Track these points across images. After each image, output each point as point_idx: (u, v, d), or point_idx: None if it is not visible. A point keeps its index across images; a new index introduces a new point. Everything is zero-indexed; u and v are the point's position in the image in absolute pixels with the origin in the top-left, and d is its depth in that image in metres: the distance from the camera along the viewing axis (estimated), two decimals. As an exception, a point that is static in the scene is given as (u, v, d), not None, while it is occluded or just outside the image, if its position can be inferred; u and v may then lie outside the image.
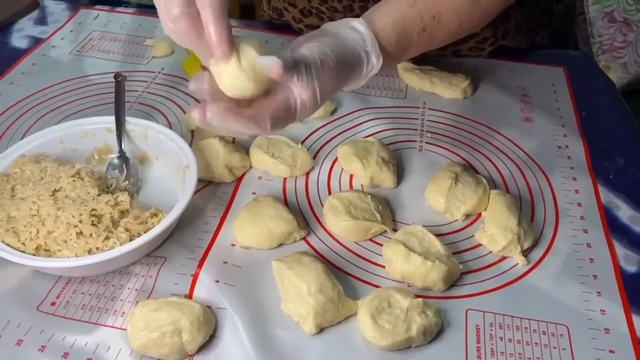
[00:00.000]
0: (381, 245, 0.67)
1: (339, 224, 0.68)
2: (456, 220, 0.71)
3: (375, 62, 0.61)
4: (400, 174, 0.77)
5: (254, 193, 0.74)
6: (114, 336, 0.58)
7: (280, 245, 0.67)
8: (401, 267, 0.63)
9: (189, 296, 0.61)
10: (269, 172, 0.76)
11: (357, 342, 0.58)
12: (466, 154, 0.81)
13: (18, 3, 1.09)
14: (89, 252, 0.61)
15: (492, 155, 0.81)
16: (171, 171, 0.72)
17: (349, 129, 0.84)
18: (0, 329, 0.58)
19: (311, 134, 0.83)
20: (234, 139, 0.81)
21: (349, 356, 0.58)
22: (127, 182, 0.72)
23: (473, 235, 0.69)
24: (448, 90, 0.90)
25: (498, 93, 0.92)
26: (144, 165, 0.76)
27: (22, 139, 0.74)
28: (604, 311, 0.62)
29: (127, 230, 0.63)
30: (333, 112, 0.87)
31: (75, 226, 0.62)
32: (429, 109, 0.89)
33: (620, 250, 0.68)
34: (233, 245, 0.67)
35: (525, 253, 0.67)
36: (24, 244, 0.61)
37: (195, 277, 0.63)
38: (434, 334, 0.59)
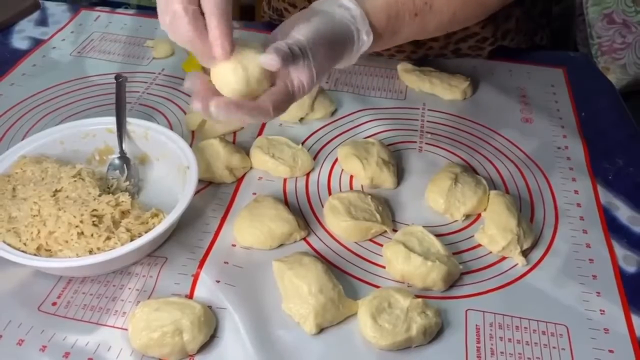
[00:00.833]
0: (381, 245, 0.67)
1: (339, 225, 0.68)
2: (456, 220, 0.71)
3: (366, 38, 0.62)
4: (400, 174, 0.77)
5: (254, 193, 0.74)
6: (115, 336, 0.58)
7: (280, 245, 0.67)
8: (401, 267, 0.63)
9: (190, 296, 0.62)
10: (269, 172, 0.77)
11: (357, 342, 0.59)
12: (466, 155, 0.81)
13: (19, 4, 1.09)
14: (90, 252, 0.61)
15: (492, 156, 0.81)
16: (172, 172, 0.72)
17: (349, 129, 0.84)
18: (1, 329, 0.58)
19: (311, 134, 0.83)
20: (234, 139, 0.81)
21: (349, 356, 0.58)
22: (127, 183, 0.72)
23: (473, 236, 0.69)
24: (448, 91, 0.90)
25: (498, 94, 0.92)
26: (145, 166, 0.76)
27: (23, 139, 0.74)
28: (603, 311, 0.62)
29: (128, 230, 0.63)
30: (333, 113, 0.87)
31: (76, 226, 0.62)
32: (428, 110, 0.89)
33: (620, 251, 0.69)
34: (233, 245, 0.67)
35: (525, 253, 0.67)
36: (25, 244, 0.61)
37: (195, 277, 0.63)
38: (434, 334, 0.59)
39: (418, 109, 0.89)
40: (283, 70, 0.54)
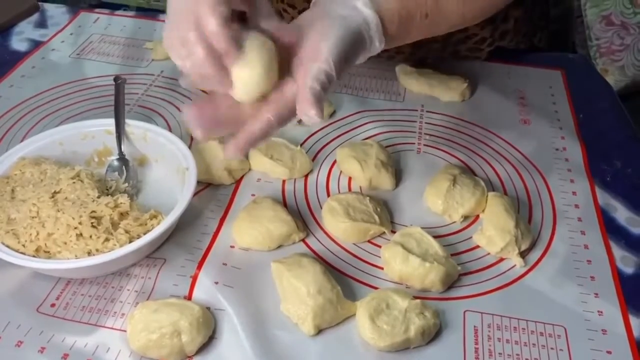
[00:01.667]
0: (380, 246, 0.67)
1: (338, 226, 0.68)
2: (454, 222, 0.72)
3: (378, 45, 0.60)
4: (398, 176, 0.77)
5: (253, 195, 0.74)
6: (114, 337, 0.58)
7: (279, 246, 0.68)
8: (399, 268, 0.63)
9: (189, 297, 0.62)
10: (268, 174, 0.77)
11: (356, 343, 0.59)
12: (464, 156, 0.81)
13: (18, 6, 1.09)
14: (89, 253, 0.61)
15: (490, 158, 0.81)
16: (170, 173, 0.72)
17: (347, 131, 0.85)
18: (0, 331, 0.58)
19: (310, 136, 0.83)
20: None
21: (348, 357, 0.58)
22: (126, 184, 0.72)
23: (471, 237, 0.70)
24: (446, 93, 0.91)
25: (496, 96, 0.92)
26: (144, 168, 0.76)
27: (22, 141, 0.75)
28: (601, 312, 0.62)
29: (126, 232, 0.63)
30: (332, 114, 0.87)
31: (75, 228, 0.62)
32: (427, 111, 0.89)
33: (618, 252, 0.69)
34: (232, 246, 0.67)
35: (523, 255, 0.67)
36: (24, 245, 0.61)
37: (194, 279, 0.63)
38: (432, 335, 0.59)
39: (416, 110, 0.89)
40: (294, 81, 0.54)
